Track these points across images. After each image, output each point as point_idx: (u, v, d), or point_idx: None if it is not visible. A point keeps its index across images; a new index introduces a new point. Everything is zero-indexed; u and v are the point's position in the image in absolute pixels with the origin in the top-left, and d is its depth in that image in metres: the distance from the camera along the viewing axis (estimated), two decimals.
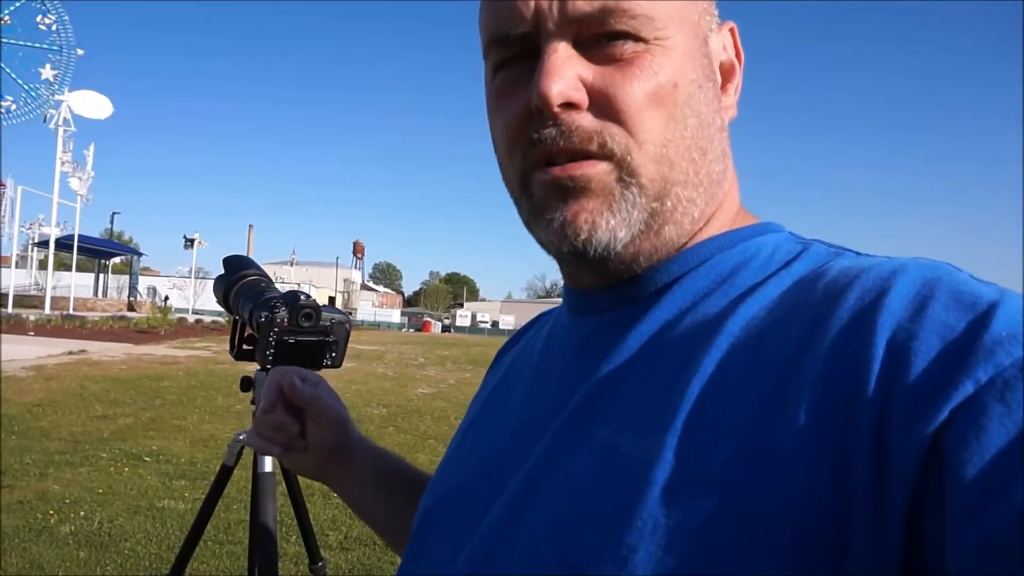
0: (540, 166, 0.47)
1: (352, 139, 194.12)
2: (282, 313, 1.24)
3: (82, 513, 4.29)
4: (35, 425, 6.71)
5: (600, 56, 0.45)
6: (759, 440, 0.37)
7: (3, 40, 29.64)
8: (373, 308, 66.24)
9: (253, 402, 1.61)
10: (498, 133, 0.50)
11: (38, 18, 30.23)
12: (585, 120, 0.45)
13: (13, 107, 29.81)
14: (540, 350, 0.60)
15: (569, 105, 0.44)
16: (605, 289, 0.52)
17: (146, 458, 5.72)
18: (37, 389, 8.91)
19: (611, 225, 0.46)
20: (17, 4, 29.63)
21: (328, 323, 1.27)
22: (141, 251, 53.80)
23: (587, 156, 0.45)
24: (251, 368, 1.49)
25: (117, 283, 48.86)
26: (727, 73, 0.53)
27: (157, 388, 9.69)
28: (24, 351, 13.22)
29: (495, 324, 67.36)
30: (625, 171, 0.45)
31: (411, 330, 52.50)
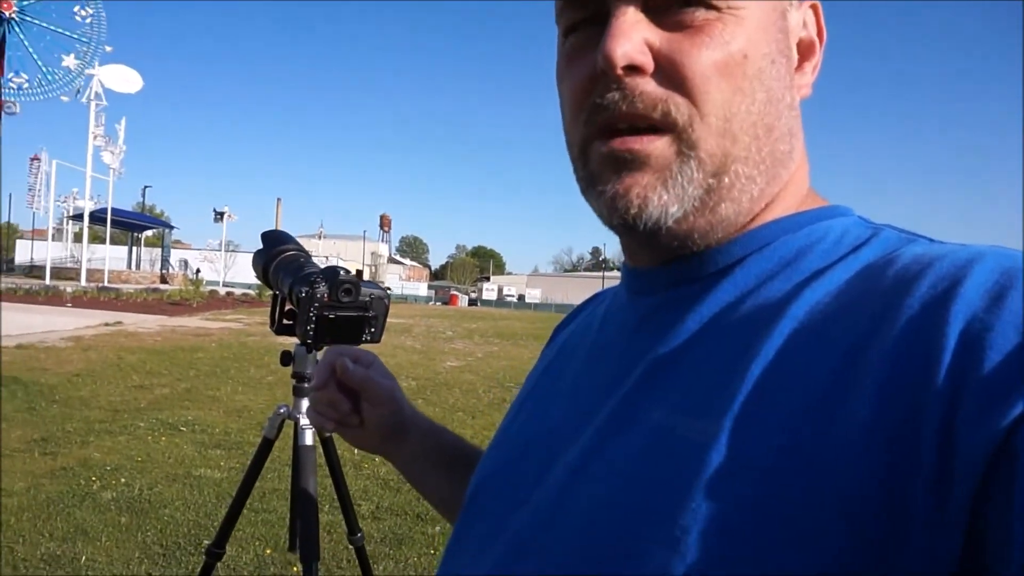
0: (601, 135, 0.46)
1: (380, 112, 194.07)
2: (322, 288, 1.25)
3: (123, 480, 4.42)
4: (75, 394, 6.90)
5: (670, 22, 0.44)
6: (819, 427, 0.36)
7: (31, 18, 30.01)
8: (400, 281, 66.68)
9: (294, 376, 1.64)
10: (565, 97, 0.49)
11: (76, 8, 30.56)
12: (649, 86, 0.44)
13: (26, 86, 30.21)
14: (597, 328, 0.59)
15: (634, 69, 0.43)
16: (664, 267, 0.51)
17: (182, 428, 5.85)
18: (76, 359, 9.15)
19: (663, 200, 0.45)
20: None
21: (367, 298, 1.28)
22: (172, 224, 54.63)
23: (649, 125, 0.44)
24: (291, 342, 1.51)
25: (150, 256, 49.70)
26: (805, 51, 0.51)
27: (191, 359, 9.88)
28: (63, 322, 13.57)
29: (521, 298, 67.49)
30: (685, 143, 0.44)
31: (438, 303, 52.82)
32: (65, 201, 41.08)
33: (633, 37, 0.43)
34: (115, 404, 6.61)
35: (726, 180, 0.45)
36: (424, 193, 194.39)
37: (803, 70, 0.51)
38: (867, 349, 0.37)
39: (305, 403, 1.70)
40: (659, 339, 0.48)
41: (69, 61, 31.39)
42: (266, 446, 1.76)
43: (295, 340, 1.42)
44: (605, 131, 0.46)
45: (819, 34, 0.51)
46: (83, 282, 29.66)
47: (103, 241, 38.26)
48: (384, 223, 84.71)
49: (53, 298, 20.76)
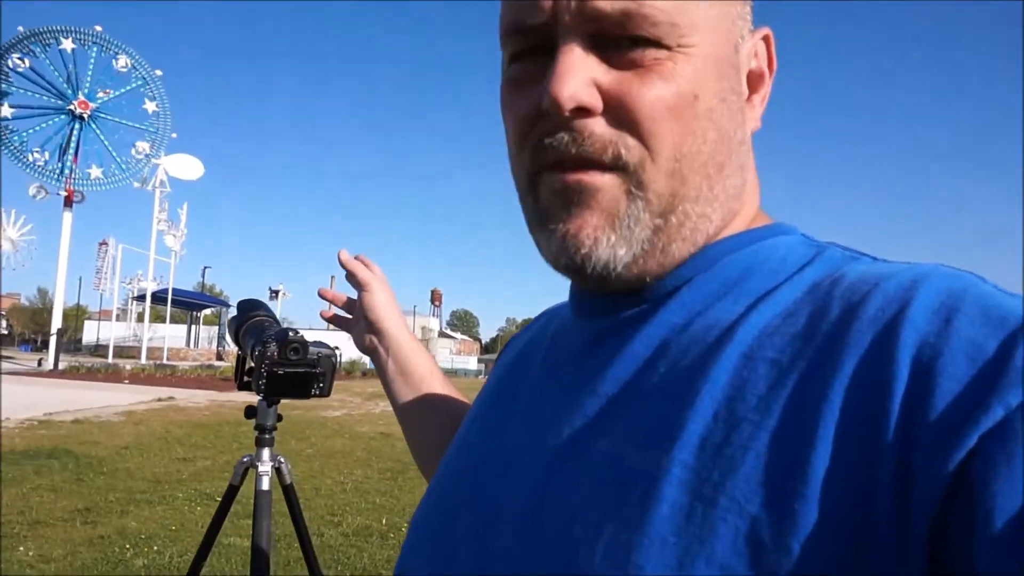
0: (550, 168, 0.45)
1: (428, 189, 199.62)
2: (272, 347, 1.40)
3: (155, 548, 4.54)
4: (122, 466, 7.13)
5: (619, 60, 0.43)
6: (778, 462, 0.35)
7: (105, 114, 32.43)
8: (451, 355, 66.91)
9: (256, 427, 1.79)
10: (509, 127, 0.48)
11: (144, 103, 33.14)
12: (599, 127, 0.43)
13: (102, 177, 32.34)
14: (546, 349, 0.57)
15: (582, 110, 0.42)
16: (613, 292, 0.49)
17: (218, 498, 5.93)
18: (126, 433, 9.46)
19: (612, 242, 0.44)
20: (127, 88, 32.48)
21: (315, 356, 1.44)
22: (230, 303, 56.39)
23: (599, 165, 0.43)
24: (256, 398, 1.67)
25: (208, 334, 51.30)
26: (755, 83, 0.50)
27: (235, 433, 10.09)
28: (118, 398, 14.09)
29: None
30: (635, 184, 0.43)
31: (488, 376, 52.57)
32: (130, 283, 42.96)
33: (580, 77, 0.42)
34: (158, 475, 6.79)
35: (674, 220, 0.45)
36: (474, 267, 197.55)
37: (751, 103, 0.49)
38: (822, 380, 0.36)
39: (266, 452, 1.84)
40: (607, 365, 0.47)
41: (141, 147, 33.64)
42: (231, 492, 1.94)
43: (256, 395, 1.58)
44: (555, 166, 0.45)
45: (769, 65, 0.50)
46: (143, 360, 30.73)
47: (164, 320, 39.74)
48: (435, 297, 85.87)
49: (112, 375, 21.58)
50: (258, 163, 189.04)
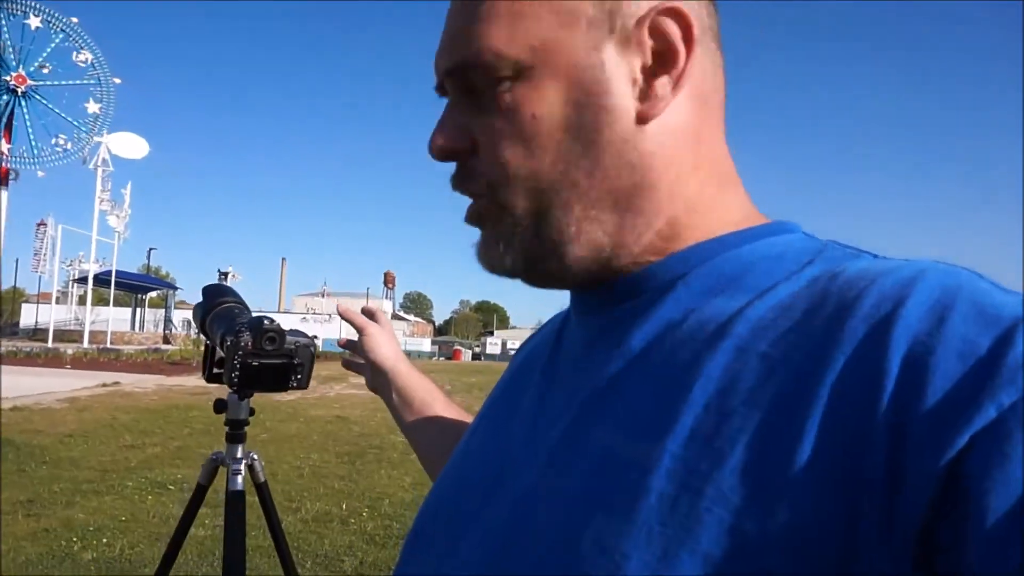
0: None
1: (381, 170, 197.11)
2: (246, 337, 1.29)
3: (104, 540, 4.37)
4: (66, 455, 6.86)
5: (477, 105, 0.48)
6: (764, 454, 0.36)
7: (48, 83, 30.97)
8: (404, 337, 66.51)
9: (227, 423, 1.66)
10: None
11: (74, 55, 31.68)
12: (466, 166, 0.49)
13: (69, 145, 31.05)
14: (551, 349, 0.58)
15: (453, 154, 0.49)
16: (604, 286, 0.51)
17: (170, 486, 5.80)
18: (70, 420, 9.12)
19: (499, 252, 0.49)
20: (51, 47, 31.01)
21: (292, 346, 1.33)
22: (177, 285, 54.93)
23: (472, 195, 0.50)
24: (225, 390, 1.54)
25: (154, 317, 49.89)
26: (667, 62, 0.47)
27: (185, 418, 9.83)
28: (60, 384, 13.56)
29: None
30: (498, 205, 0.48)
31: (441, 358, 52.61)
32: (71, 265, 41.56)
33: (446, 129, 0.49)
34: (104, 464, 6.56)
35: (548, 229, 0.47)
36: (427, 249, 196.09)
37: (653, 89, 0.47)
38: (813, 375, 0.36)
39: (239, 449, 1.72)
40: (605, 360, 0.48)
41: (92, 107, 32.46)
42: (199, 492, 1.79)
43: (228, 388, 1.46)
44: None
45: (688, 40, 0.47)
46: (85, 344, 29.75)
47: (108, 303, 38.46)
48: (388, 280, 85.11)
49: (53, 360, 20.81)
50: (205, 142, 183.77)
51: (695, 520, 0.35)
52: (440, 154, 0.49)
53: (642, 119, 0.47)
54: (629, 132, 0.47)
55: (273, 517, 1.85)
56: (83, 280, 38.68)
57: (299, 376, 1.34)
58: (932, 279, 0.37)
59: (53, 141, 31.50)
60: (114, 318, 37.53)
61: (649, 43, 0.47)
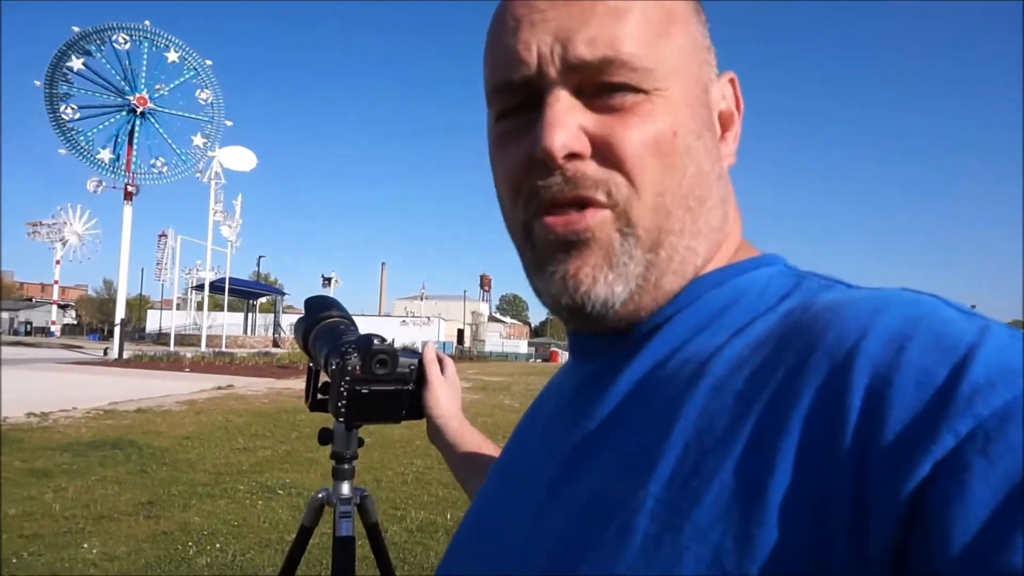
0: (543, 214, 0.47)
1: (479, 174, 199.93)
2: (353, 360, 1.09)
3: (218, 545, 4.42)
4: (184, 457, 7.12)
5: (600, 105, 0.46)
6: (739, 491, 0.36)
7: (162, 108, 33.11)
8: (500, 339, 67.06)
9: (332, 456, 1.47)
10: (500, 180, 0.50)
11: (197, 92, 33.80)
12: (590, 168, 0.45)
13: (165, 169, 33.04)
14: (557, 389, 0.60)
15: (573, 155, 0.45)
16: (601, 332, 0.51)
17: (279, 491, 5.88)
18: (188, 423, 9.52)
19: (610, 279, 0.46)
20: (180, 80, 33.12)
21: (407, 369, 1.12)
22: (284, 291, 57.50)
23: (593, 203, 0.46)
24: (331, 419, 1.35)
25: (264, 321, 52.40)
26: (726, 122, 0.53)
27: (294, 421, 10.09)
28: (180, 386, 14.32)
29: None
30: (625, 221, 0.46)
31: (538, 360, 52.60)
32: (189, 273, 44.12)
33: (569, 124, 0.45)
34: (219, 467, 6.75)
35: (663, 254, 0.47)
36: None
37: (725, 140, 0.52)
38: (782, 409, 0.37)
39: (346, 487, 1.51)
40: (596, 403, 0.49)
41: (198, 140, 34.57)
42: (303, 536, 1.57)
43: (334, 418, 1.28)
44: (548, 209, 0.47)
45: (737, 105, 0.53)
46: (203, 348, 31.46)
47: (222, 309, 40.63)
48: (484, 283, 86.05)
49: (174, 363, 22.07)
50: (310, 153, 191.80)
51: (676, 559, 0.36)
52: (562, 155, 0.45)
53: (724, 160, 0.51)
54: (723, 171, 0.51)
55: (387, 564, 1.60)
56: (200, 287, 40.99)
57: (416, 404, 1.13)
58: (894, 310, 0.38)
59: (151, 162, 33.62)
60: (228, 323, 39.65)
61: (724, 100, 0.52)
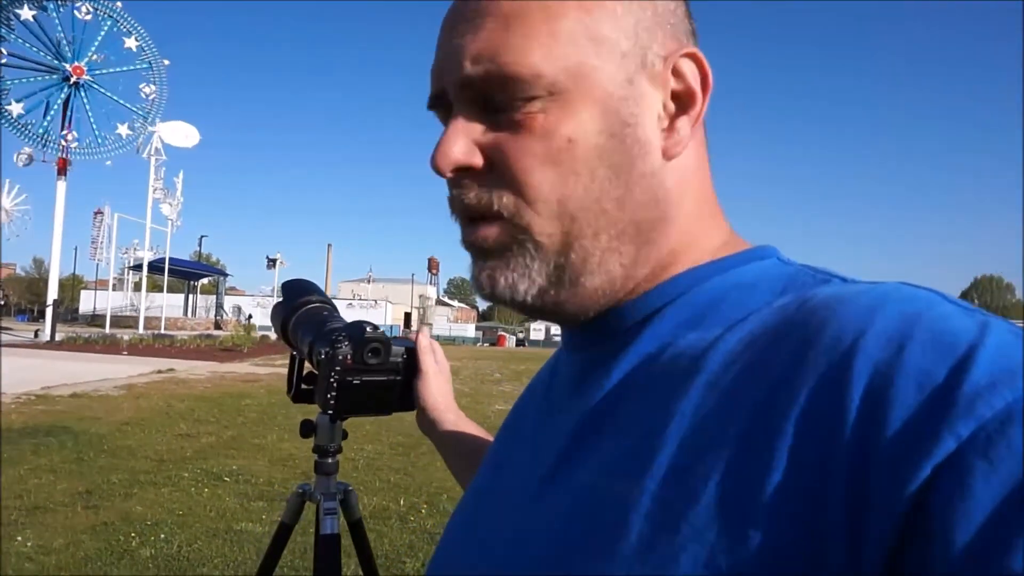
0: (460, 221, 0.50)
1: (426, 157, 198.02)
2: (344, 349, 1.03)
3: (162, 536, 4.28)
4: (123, 444, 6.87)
5: (495, 120, 0.47)
6: (735, 489, 0.36)
7: (98, 87, 31.65)
8: (448, 323, 66.86)
9: (315, 449, 1.40)
10: None
11: (124, 41, 32.18)
12: (477, 182, 0.47)
13: (75, 146, 31.49)
14: (547, 383, 0.60)
15: (463, 170, 0.47)
16: (590, 323, 0.51)
17: (226, 478, 5.73)
18: (127, 408, 9.20)
19: (510, 281, 0.48)
20: (101, 35, 31.57)
21: (399, 359, 1.05)
22: (227, 272, 56.04)
23: (483, 216, 0.48)
24: (314, 410, 1.28)
25: (205, 303, 51.08)
26: (685, 103, 0.49)
27: (239, 406, 9.86)
28: (117, 370, 13.81)
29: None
30: (518, 230, 0.47)
31: (486, 344, 52.63)
32: (126, 252, 42.62)
33: (458, 141, 0.47)
34: (161, 454, 6.54)
35: (574, 256, 0.47)
36: None
37: (674, 127, 0.49)
38: (779, 408, 0.36)
39: (329, 483, 1.43)
40: (586, 397, 0.49)
41: (146, 90, 32.97)
42: (283, 533, 1.49)
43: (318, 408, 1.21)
44: (463, 218, 0.49)
45: (704, 82, 0.49)
46: (141, 330, 30.50)
47: (161, 290, 39.38)
48: (432, 266, 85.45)
49: (111, 346, 21.31)
50: (254, 130, 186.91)
51: (672, 558, 0.36)
52: (453, 170, 0.47)
53: (667, 155, 0.48)
54: (657, 166, 0.48)
55: (370, 562, 1.53)
56: (138, 267, 39.66)
57: (406, 395, 1.06)
58: (892, 307, 0.37)
59: (117, 130, 32.19)
60: (167, 304, 38.47)
61: (672, 83, 0.48)
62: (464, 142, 0.47)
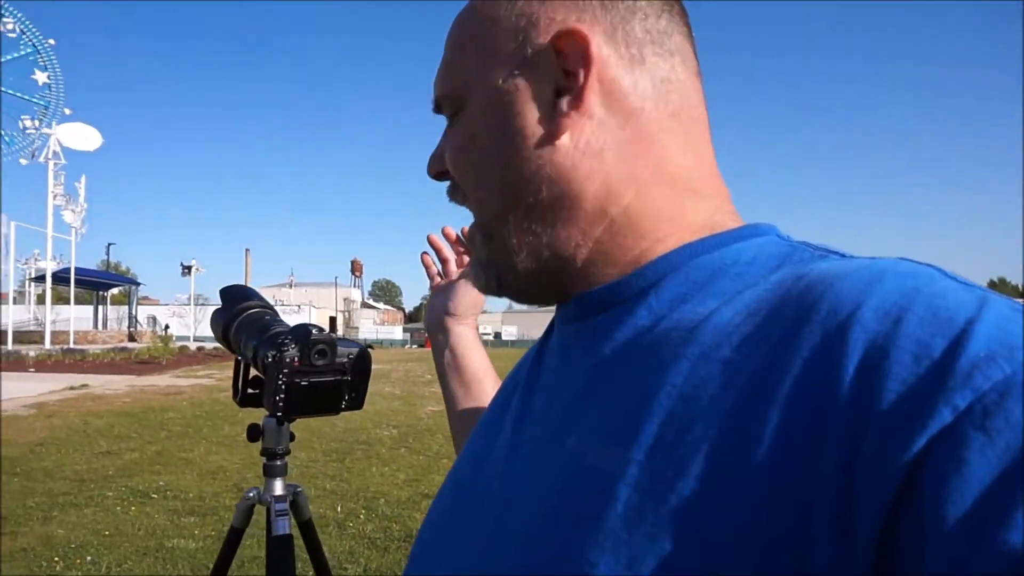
0: None
1: (345, 157, 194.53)
2: (292, 351, 1.06)
3: (88, 558, 4.11)
4: (38, 465, 6.54)
5: (449, 131, 0.55)
6: (725, 460, 0.36)
7: None
8: (375, 326, 66.03)
9: (263, 453, 1.42)
10: None
11: (35, 73, 30.58)
12: (451, 183, 0.56)
13: (37, 123, 29.65)
14: (535, 355, 0.60)
15: (441, 174, 0.56)
16: (582, 296, 0.52)
17: (153, 495, 5.54)
18: (39, 427, 8.74)
19: (477, 271, 0.56)
20: (13, 56, 29.85)
21: (345, 359, 1.09)
22: (139, 281, 53.61)
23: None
24: (260, 414, 1.30)
25: (117, 314, 48.74)
26: (568, 85, 0.50)
27: (162, 420, 9.50)
28: (25, 388, 13.06)
29: (498, 336, 67.15)
30: (476, 226, 0.55)
31: (414, 346, 52.20)
32: (26, 263, 40.15)
33: (436, 153, 0.56)
34: (81, 473, 6.25)
35: (496, 241, 0.52)
36: (394, 235, 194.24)
37: (557, 108, 0.49)
38: (771, 379, 0.37)
39: (278, 485, 1.47)
40: (580, 368, 0.49)
41: (40, 76, 31.24)
42: (234, 537, 1.52)
43: (264, 411, 1.23)
44: None
45: (586, 62, 0.48)
46: (47, 345, 28.85)
47: (67, 302, 37.30)
48: (355, 268, 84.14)
49: (15, 363, 20.09)
50: (161, 131, 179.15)
51: (659, 528, 0.36)
52: (432, 176, 0.56)
53: (551, 137, 0.49)
54: (542, 149, 0.50)
55: (322, 562, 1.57)
56: (40, 279, 37.42)
57: (354, 394, 1.10)
58: (890, 281, 0.37)
59: (21, 125, 30.27)
60: (76, 317, 36.47)
61: (558, 65, 0.49)
62: (440, 153, 0.55)
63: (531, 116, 0.50)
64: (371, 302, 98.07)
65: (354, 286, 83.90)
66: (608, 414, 0.43)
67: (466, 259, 1.01)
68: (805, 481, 0.33)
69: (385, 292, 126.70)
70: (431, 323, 1.01)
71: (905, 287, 0.36)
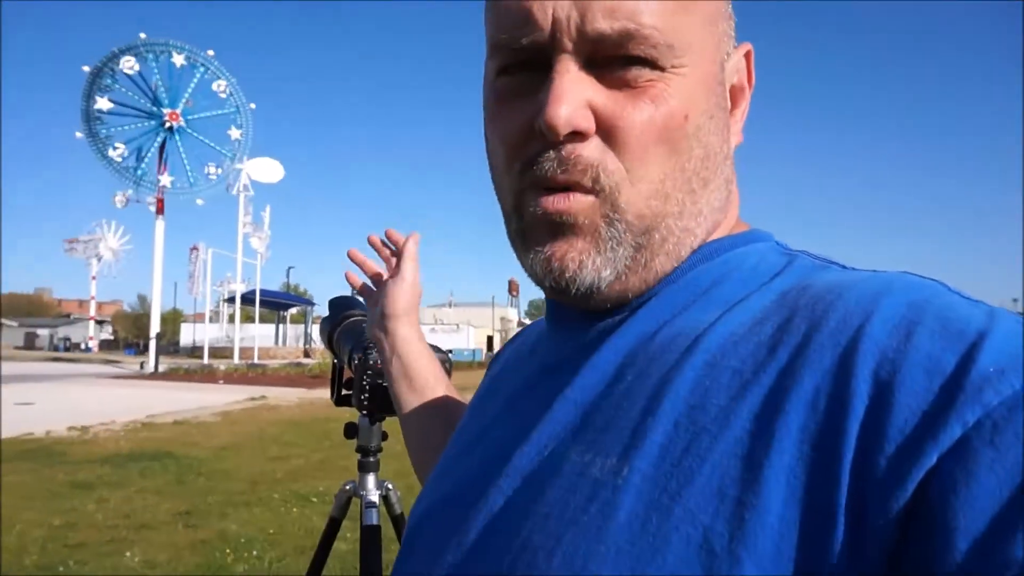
0: (534, 188, 0.45)
1: None
2: (375, 354, 1.16)
3: (254, 552, 4.52)
4: (220, 467, 7.27)
5: (612, 79, 0.43)
6: (734, 472, 0.35)
7: (195, 116, 34.10)
8: None
9: (358, 449, 1.55)
10: (495, 141, 0.48)
11: (214, 86, 34.56)
12: (586, 151, 0.43)
13: (219, 171, 33.92)
14: (525, 361, 0.58)
15: (575, 133, 0.43)
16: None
17: (313, 499, 5.98)
18: (223, 433, 9.71)
19: (596, 264, 0.45)
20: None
21: None
22: (314, 301, 58.07)
23: (580, 188, 0.44)
24: (357, 414, 1.43)
25: (295, 332, 52.98)
26: (736, 97, 0.50)
27: (325, 430, 10.22)
28: (214, 399, 14.59)
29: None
30: (611, 207, 0.44)
31: None
32: (221, 286, 44.74)
33: (576, 99, 0.42)
34: (254, 476, 6.88)
35: (657, 236, 0.45)
36: None
37: (733, 117, 0.50)
38: (782, 391, 0.36)
39: (371, 479, 1.60)
40: (578, 374, 0.47)
41: (234, 133, 35.47)
42: (332, 526, 1.68)
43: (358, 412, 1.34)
44: (538, 186, 0.45)
45: (749, 80, 0.51)
46: (235, 360, 31.95)
47: (253, 321, 41.24)
48: (512, 288, 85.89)
49: (208, 376, 22.48)
50: (336, 162, 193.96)
51: (663, 539, 0.35)
52: (565, 132, 0.42)
53: (728, 145, 0.49)
54: (730, 150, 0.49)
55: None
56: (231, 300, 41.62)
57: None
58: (898, 294, 0.37)
59: (206, 171, 34.63)
60: (260, 335, 40.19)
61: (744, 78, 0.50)
62: (582, 101, 0.42)
63: (727, 113, 0.49)
64: (527, 321, 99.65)
65: (511, 305, 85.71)
66: (611, 424, 0.42)
67: (394, 261, 0.99)
68: (816, 497, 0.33)
69: (541, 311, 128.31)
70: (374, 329, 0.96)
71: (913, 299, 0.36)
